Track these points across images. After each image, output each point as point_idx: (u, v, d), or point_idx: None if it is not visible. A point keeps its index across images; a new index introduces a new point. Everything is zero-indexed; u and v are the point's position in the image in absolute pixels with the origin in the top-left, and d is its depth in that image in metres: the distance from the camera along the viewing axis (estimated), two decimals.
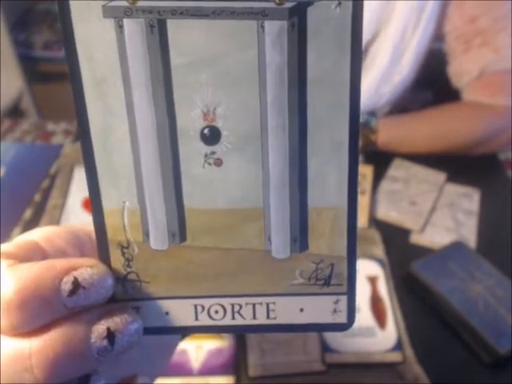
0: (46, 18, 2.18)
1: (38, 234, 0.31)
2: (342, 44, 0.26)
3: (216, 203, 0.29)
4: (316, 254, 0.29)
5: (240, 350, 0.73)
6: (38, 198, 0.98)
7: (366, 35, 1.07)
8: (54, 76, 2.02)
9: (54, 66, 2.04)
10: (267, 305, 0.30)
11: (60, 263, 0.27)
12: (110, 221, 0.29)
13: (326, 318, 0.30)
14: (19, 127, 1.18)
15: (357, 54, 0.26)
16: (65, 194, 0.96)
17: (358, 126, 0.27)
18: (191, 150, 0.28)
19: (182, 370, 0.70)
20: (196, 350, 0.72)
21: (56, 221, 0.90)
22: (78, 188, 0.97)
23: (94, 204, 0.28)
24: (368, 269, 0.83)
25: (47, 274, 0.26)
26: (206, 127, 0.27)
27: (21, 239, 0.30)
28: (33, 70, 2.06)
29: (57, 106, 1.68)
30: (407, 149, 1.06)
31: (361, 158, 1.01)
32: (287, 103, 0.27)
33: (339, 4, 0.25)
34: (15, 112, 1.98)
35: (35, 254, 0.29)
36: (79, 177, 0.99)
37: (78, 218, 0.91)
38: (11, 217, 0.93)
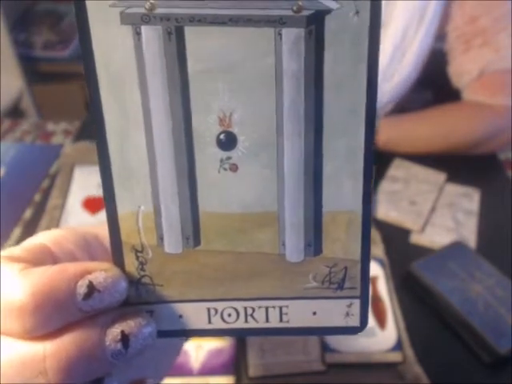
0: (46, 18, 2.17)
1: (46, 237, 0.31)
2: (359, 52, 0.26)
3: (231, 208, 0.29)
4: (330, 258, 0.30)
5: (240, 350, 0.73)
6: (38, 197, 0.98)
7: None
8: (54, 76, 2.02)
9: (54, 66, 2.04)
10: (280, 308, 0.30)
11: (74, 267, 0.27)
12: (124, 224, 0.29)
13: (339, 322, 0.31)
14: (19, 127, 1.18)
15: (374, 62, 0.26)
16: (65, 193, 0.96)
17: (373, 131, 0.27)
18: (207, 155, 0.28)
19: (182, 370, 0.70)
20: (196, 350, 0.72)
21: (56, 221, 0.90)
22: (78, 188, 0.97)
23: (108, 207, 0.29)
24: None
25: (62, 278, 0.26)
26: (222, 133, 0.27)
27: (29, 243, 0.30)
28: (33, 70, 2.05)
29: (57, 106, 1.68)
30: (407, 149, 1.06)
31: None
32: (303, 110, 0.27)
33: (357, 12, 0.25)
34: (15, 112, 1.98)
35: (45, 257, 0.29)
36: (79, 177, 0.99)
37: (77, 217, 0.91)
38: (11, 217, 0.93)
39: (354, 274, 0.30)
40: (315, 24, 0.25)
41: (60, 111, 1.41)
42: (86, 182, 0.97)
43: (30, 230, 0.89)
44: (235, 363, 0.71)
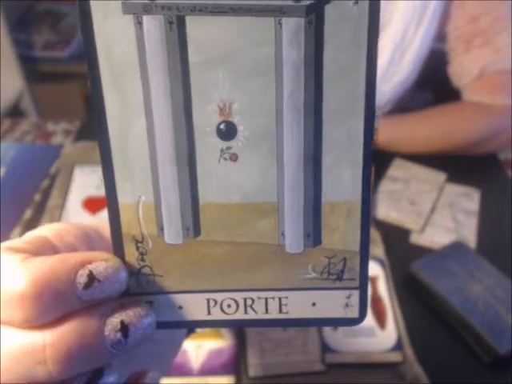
0: (47, 18, 2.18)
1: (48, 230, 0.31)
2: (359, 41, 0.26)
3: (231, 198, 0.29)
4: (329, 249, 0.30)
5: (240, 349, 0.73)
6: (38, 197, 0.98)
7: None
8: (54, 76, 2.02)
9: (55, 67, 2.04)
10: (279, 299, 0.30)
11: (74, 257, 0.27)
12: (124, 215, 0.29)
13: (338, 313, 0.31)
14: (19, 127, 1.18)
15: (373, 51, 0.26)
16: (65, 193, 0.96)
17: (373, 121, 0.27)
18: (207, 144, 0.28)
19: (182, 370, 0.70)
20: (196, 350, 0.72)
21: (56, 221, 0.90)
22: (78, 188, 0.97)
23: (109, 198, 0.29)
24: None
25: (62, 267, 0.26)
26: (222, 122, 0.27)
27: (31, 235, 0.30)
28: (33, 70, 2.05)
29: (57, 106, 1.68)
30: (407, 148, 1.06)
31: None
32: (303, 99, 0.27)
33: (356, 2, 0.25)
34: (15, 112, 1.98)
35: (46, 249, 0.29)
36: (79, 177, 0.99)
37: (78, 217, 0.91)
38: (11, 217, 0.93)
39: (353, 265, 0.30)
40: (315, 13, 0.25)
41: (60, 111, 1.41)
42: (86, 181, 0.97)
43: (30, 230, 0.89)
44: (235, 363, 0.71)
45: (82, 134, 1.14)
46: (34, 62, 2.05)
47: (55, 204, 0.94)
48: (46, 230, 0.31)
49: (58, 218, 0.91)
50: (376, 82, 0.27)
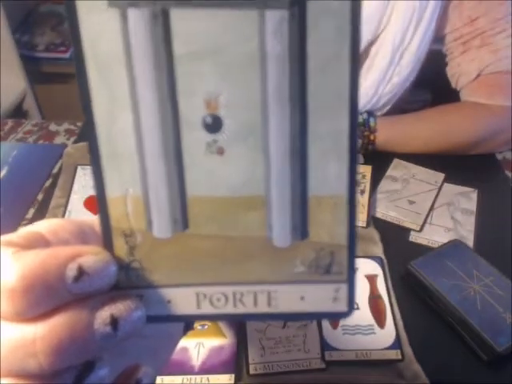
0: (49, 20, 2.18)
1: (43, 226, 0.31)
2: (342, 34, 0.26)
3: (218, 191, 0.29)
4: (316, 242, 0.30)
5: (240, 347, 0.73)
6: (40, 197, 0.98)
7: (365, 36, 1.07)
8: (56, 77, 2.03)
9: (57, 67, 2.05)
10: (268, 293, 0.30)
11: (65, 250, 0.27)
12: (113, 209, 0.29)
13: (327, 306, 0.31)
14: (22, 128, 1.18)
15: (356, 44, 0.26)
16: (67, 193, 0.96)
17: (357, 114, 0.27)
18: (194, 138, 0.28)
19: (183, 368, 0.70)
20: (197, 348, 0.72)
21: None
22: (81, 187, 0.97)
23: (98, 192, 0.29)
24: (367, 267, 0.84)
25: (52, 261, 0.26)
26: (209, 116, 0.27)
27: (25, 230, 0.30)
28: (35, 70, 2.06)
29: (59, 106, 1.68)
30: (406, 148, 1.06)
31: (360, 158, 1.01)
32: (288, 92, 0.27)
33: None
34: (18, 113, 1.98)
35: (39, 244, 0.29)
36: (82, 176, 1.00)
37: (80, 217, 0.91)
38: (14, 216, 0.93)
39: (340, 259, 0.30)
40: (298, 6, 0.26)
41: (62, 112, 1.41)
42: (88, 181, 0.98)
43: None
44: (236, 361, 0.71)
45: (84, 135, 1.15)
46: (36, 63, 2.06)
47: (58, 203, 0.95)
48: (41, 226, 0.31)
49: (61, 218, 0.91)
50: (359, 75, 0.27)
